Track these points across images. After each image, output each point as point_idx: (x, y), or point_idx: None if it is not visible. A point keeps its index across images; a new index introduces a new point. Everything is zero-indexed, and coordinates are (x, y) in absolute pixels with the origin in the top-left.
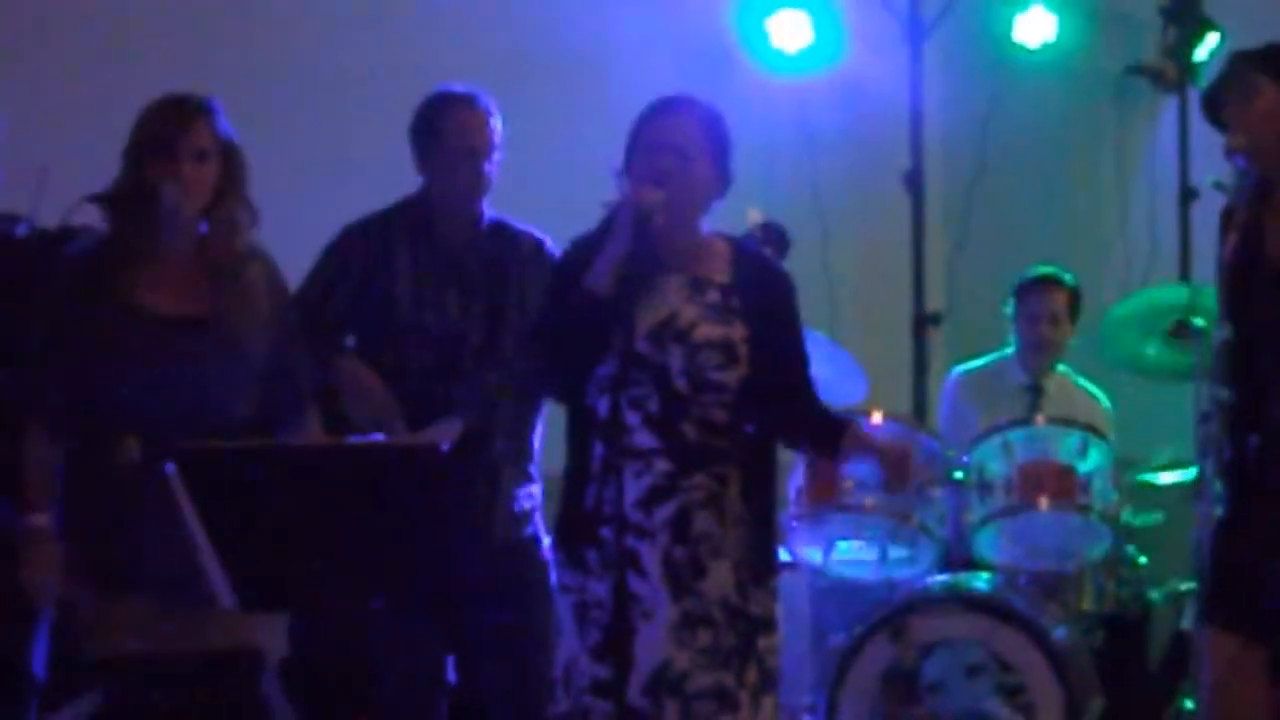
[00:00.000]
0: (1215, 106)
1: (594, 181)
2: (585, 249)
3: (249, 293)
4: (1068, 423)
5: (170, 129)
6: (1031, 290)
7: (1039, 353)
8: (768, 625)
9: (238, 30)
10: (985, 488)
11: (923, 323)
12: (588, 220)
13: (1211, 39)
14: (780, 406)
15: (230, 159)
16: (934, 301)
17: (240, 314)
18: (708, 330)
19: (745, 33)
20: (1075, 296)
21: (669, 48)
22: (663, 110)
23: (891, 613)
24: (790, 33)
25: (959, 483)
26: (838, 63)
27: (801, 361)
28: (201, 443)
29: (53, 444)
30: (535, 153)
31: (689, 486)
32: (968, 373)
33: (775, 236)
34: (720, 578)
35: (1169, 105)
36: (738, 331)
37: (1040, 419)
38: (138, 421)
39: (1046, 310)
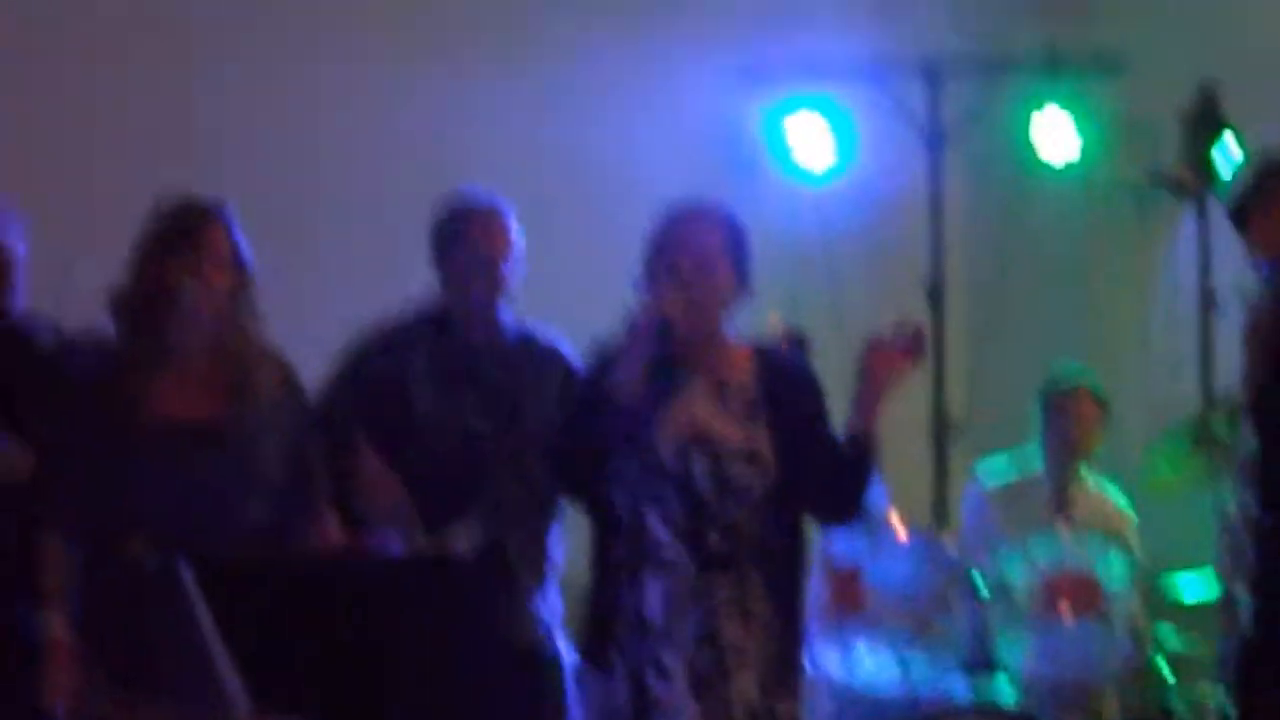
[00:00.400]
0: (1241, 215)
1: (615, 288)
2: (606, 356)
3: (262, 397)
4: (1092, 532)
5: (192, 229)
6: (1060, 395)
7: (1068, 462)
8: None
9: (256, 128)
10: (1008, 597)
11: (944, 429)
12: (607, 326)
13: (1233, 148)
14: (817, 498)
15: (241, 264)
16: (955, 408)
17: (253, 419)
18: (733, 436)
19: (767, 140)
20: (1103, 402)
21: (690, 152)
22: (682, 217)
23: None
24: (810, 141)
25: (981, 592)
26: (858, 171)
27: (832, 452)
28: (217, 551)
29: (67, 548)
30: (556, 259)
31: (714, 593)
32: (995, 488)
33: (796, 341)
34: (746, 685)
35: (1189, 213)
36: (762, 438)
37: (1064, 528)
38: (150, 527)
39: (1075, 413)
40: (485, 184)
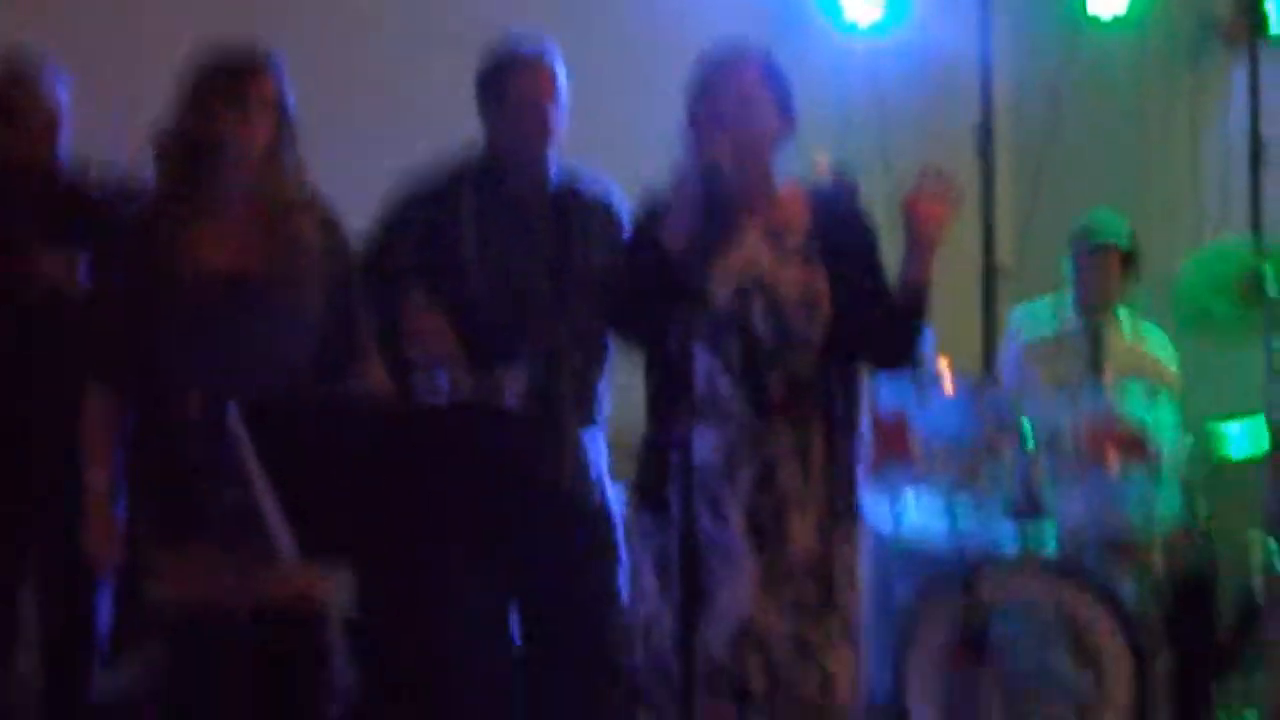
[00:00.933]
0: None
1: (662, 138)
2: (657, 204)
3: (303, 244)
4: (1137, 378)
5: (240, 76)
6: (1087, 254)
7: (1098, 316)
8: (851, 579)
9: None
10: (1055, 446)
11: (992, 276)
12: (654, 174)
13: None
14: (871, 344)
15: (285, 111)
16: (1003, 256)
17: (295, 266)
18: (790, 278)
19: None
20: (1130, 256)
21: (740, 5)
22: (720, 60)
23: (960, 571)
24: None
25: (1028, 441)
26: (908, 26)
27: (884, 296)
28: (266, 396)
29: (113, 401)
30: (603, 108)
31: (772, 438)
32: (1032, 342)
33: (844, 182)
34: (803, 530)
35: (1241, 63)
36: (820, 278)
37: (1109, 374)
38: (198, 376)
39: (1100, 272)
40: (531, 30)
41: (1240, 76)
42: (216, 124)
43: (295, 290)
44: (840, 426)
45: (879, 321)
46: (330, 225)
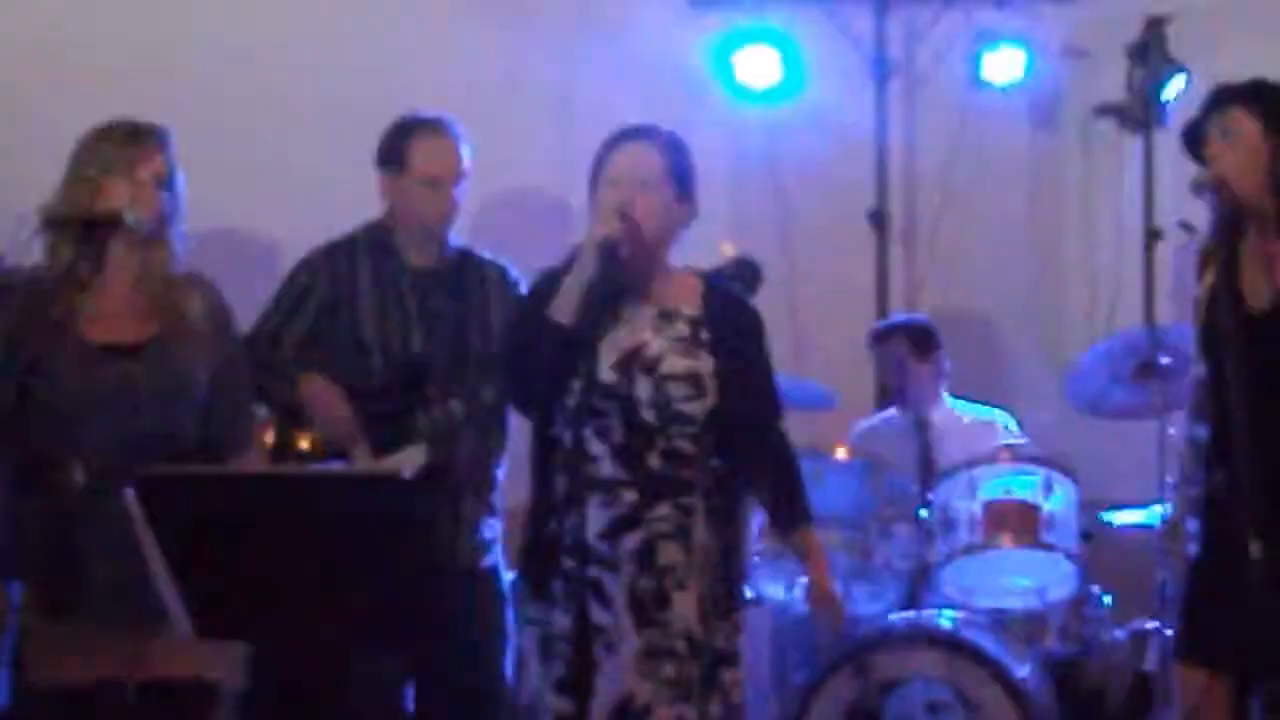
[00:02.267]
0: (1196, 142)
1: (560, 215)
2: (552, 279)
3: (188, 319)
4: (1033, 460)
5: (133, 152)
6: (874, 344)
7: (905, 395)
8: (732, 659)
9: (193, 60)
10: (949, 525)
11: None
12: (551, 253)
13: (1178, 79)
14: (746, 445)
15: (173, 188)
16: None
17: (179, 341)
18: (675, 362)
19: (714, 67)
20: (919, 340)
21: (637, 82)
22: (625, 140)
23: (854, 649)
24: (758, 69)
25: (922, 520)
26: (805, 98)
27: (770, 398)
28: (161, 468)
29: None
30: (502, 186)
31: (655, 518)
32: (867, 427)
33: (748, 271)
34: (685, 609)
35: (1135, 145)
36: (705, 364)
37: (1005, 455)
38: (80, 449)
39: (892, 356)
40: (432, 107)
41: (1135, 159)
42: (108, 199)
43: (179, 365)
44: (723, 505)
45: (762, 465)
46: (215, 303)
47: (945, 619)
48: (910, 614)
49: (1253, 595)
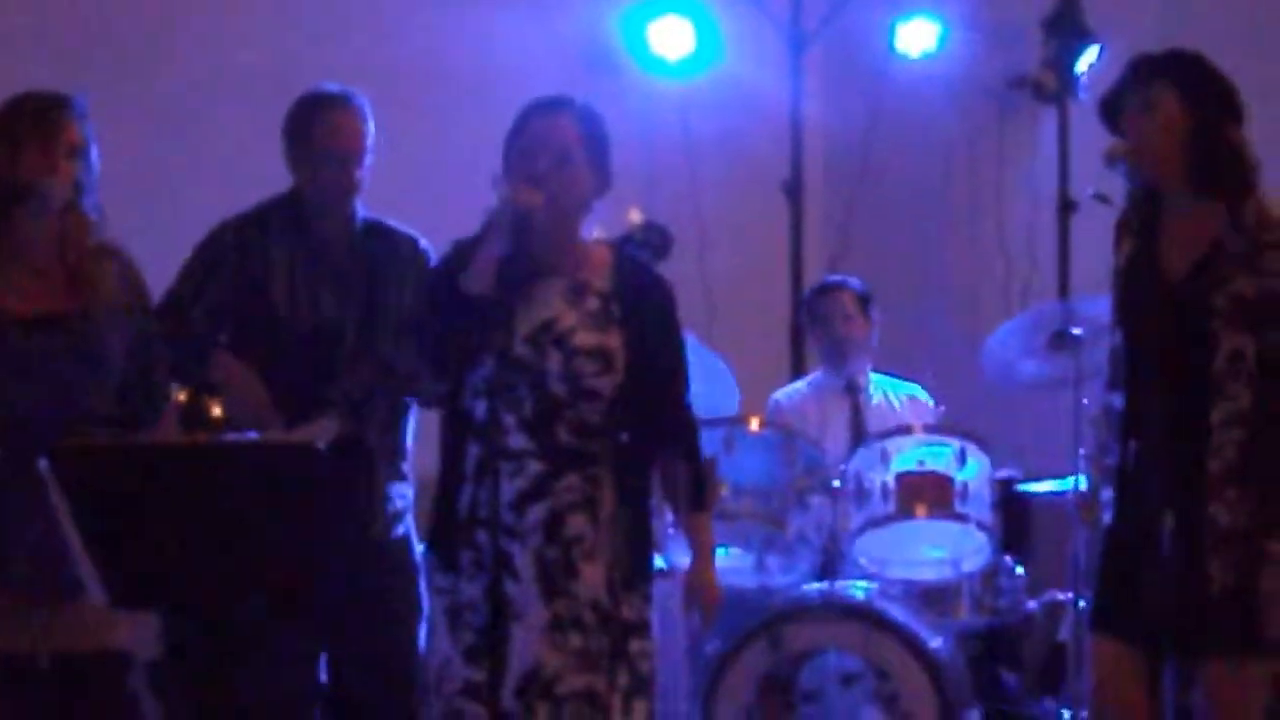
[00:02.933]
0: (1114, 113)
1: (474, 188)
2: (465, 251)
3: (103, 290)
4: (947, 431)
5: (48, 123)
6: (818, 299)
7: (843, 352)
8: (641, 629)
9: (112, 26)
10: (863, 496)
11: (800, 331)
12: (467, 227)
13: (1092, 51)
14: (652, 419)
15: (88, 158)
16: None
17: (94, 311)
18: (586, 337)
19: (627, 39)
20: (863, 297)
21: (550, 53)
22: (539, 111)
23: (768, 620)
24: (672, 39)
25: (836, 491)
26: (719, 69)
27: (677, 373)
28: (76, 439)
29: None
30: (414, 159)
31: (562, 489)
32: (787, 394)
33: (656, 237)
34: (592, 580)
35: (1049, 117)
36: (615, 339)
37: (917, 427)
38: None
39: (838, 311)
40: (345, 82)
41: (1048, 129)
42: (25, 169)
43: (95, 336)
44: (631, 476)
45: (666, 440)
46: (130, 274)
47: (859, 590)
48: (824, 585)
49: (1164, 567)
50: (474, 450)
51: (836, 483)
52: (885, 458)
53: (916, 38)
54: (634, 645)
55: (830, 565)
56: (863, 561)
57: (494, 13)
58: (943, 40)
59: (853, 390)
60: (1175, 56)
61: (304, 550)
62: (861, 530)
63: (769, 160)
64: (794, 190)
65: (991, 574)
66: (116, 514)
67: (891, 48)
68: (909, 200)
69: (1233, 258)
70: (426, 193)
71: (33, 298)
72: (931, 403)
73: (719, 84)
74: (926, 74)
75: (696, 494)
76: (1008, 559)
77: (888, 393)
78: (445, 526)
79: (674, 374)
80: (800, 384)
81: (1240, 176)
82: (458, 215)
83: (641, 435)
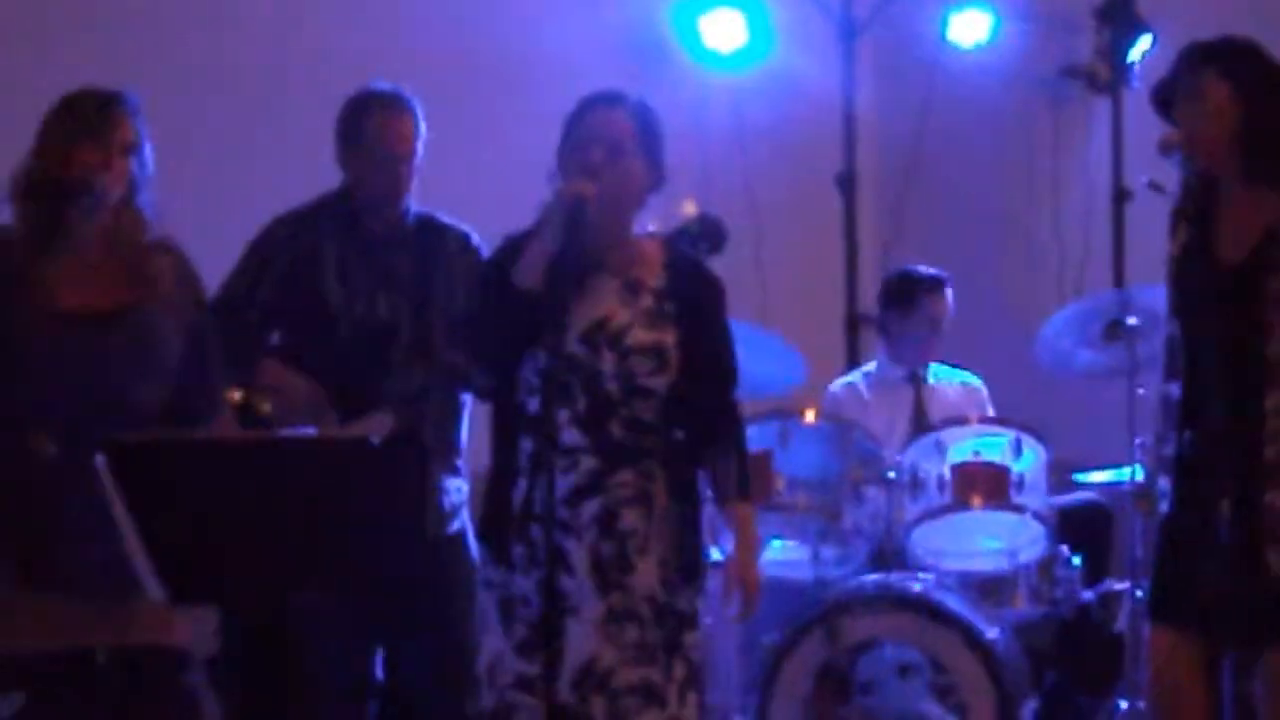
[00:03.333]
0: (1166, 102)
1: (527, 181)
2: (517, 245)
3: (159, 287)
4: (1002, 422)
5: (103, 120)
6: (929, 294)
7: (928, 348)
8: (693, 621)
9: (163, 27)
10: (918, 487)
11: (855, 321)
12: (520, 220)
13: (1145, 41)
14: (703, 415)
15: (142, 155)
16: (867, 299)
17: (150, 307)
18: (641, 335)
19: (679, 31)
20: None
21: (602, 46)
22: (593, 105)
23: (824, 612)
24: (723, 31)
25: (892, 482)
26: (771, 61)
27: (728, 370)
28: (132, 435)
29: None
30: (467, 152)
31: (615, 484)
32: (846, 386)
33: (711, 229)
34: (647, 574)
35: (1103, 106)
36: (669, 337)
37: (973, 418)
38: (51, 417)
39: (940, 310)
40: (398, 76)
41: (1101, 119)
42: (79, 166)
43: (151, 333)
44: (684, 470)
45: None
46: (186, 271)
47: (915, 581)
48: (880, 576)
49: (1222, 556)
50: (527, 445)
51: (892, 474)
52: (941, 449)
53: (969, 28)
54: (687, 637)
55: (886, 557)
56: (919, 553)
57: (545, 4)
58: (995, 30)
59: (915, 381)
60: (1227, 44)
61: (359, 545)
62: (917, 522)
63: (822, 152)
64: (847, 181)
65: (1047, 564)
66: (172, 510)
67: (944, 38)
68: (962, 191)
69: None
70: (477, 187)
71: (87, 294)
72: (980, 384)
73: (771, 76)
74: (979, 64)
75: (742, 486)
76: (1063, 549)
77: (947, 381)
78: (497, 521)
79: (725, 371)
80: (855, 375)
81: None
82: (508, 209)
83: (693, 431)
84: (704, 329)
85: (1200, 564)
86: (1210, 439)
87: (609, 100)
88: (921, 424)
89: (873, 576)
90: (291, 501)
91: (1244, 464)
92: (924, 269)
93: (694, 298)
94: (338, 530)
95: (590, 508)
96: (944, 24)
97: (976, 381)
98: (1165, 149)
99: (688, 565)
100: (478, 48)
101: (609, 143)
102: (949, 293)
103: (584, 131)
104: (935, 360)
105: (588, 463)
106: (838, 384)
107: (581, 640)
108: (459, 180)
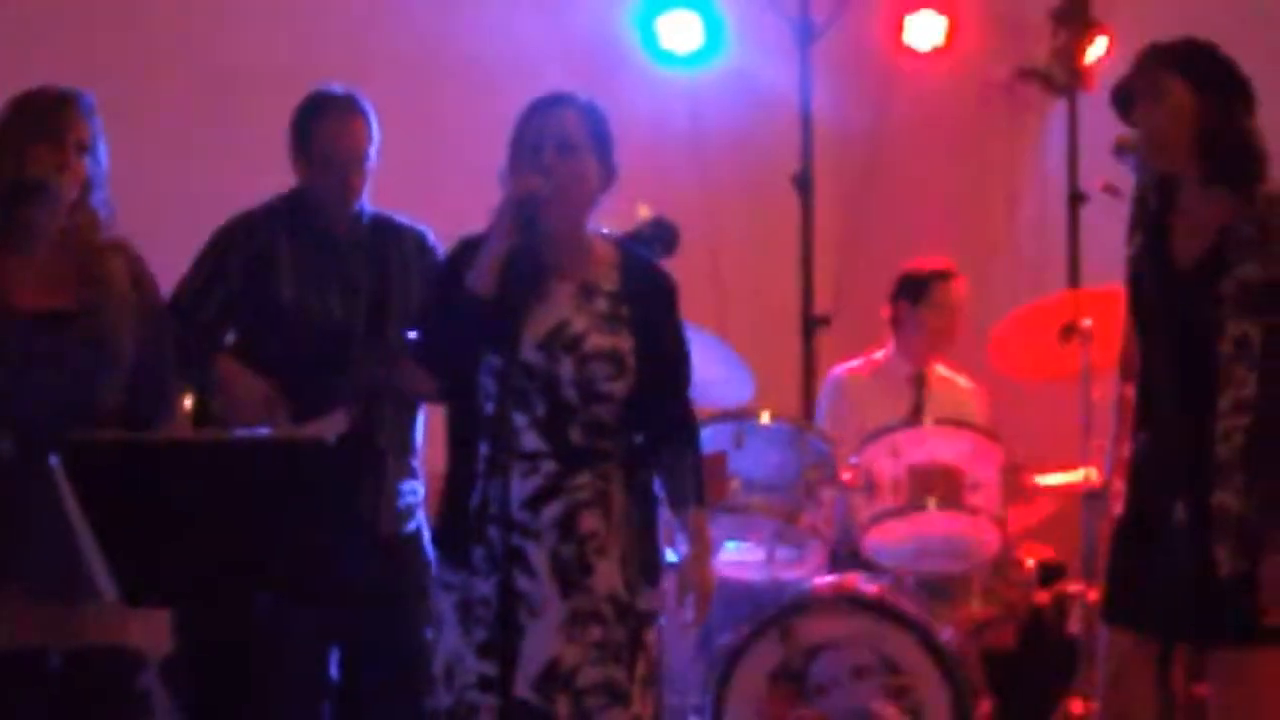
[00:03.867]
0: (1125, 102)
1: (480, 184)
2: (470, 248)
3: (113, 286)
4: (957, 424)
5: (57, 119)
6: (938, 283)
7: (938, 340)
8: (653, 619)
9: (123, 24)
10: (873, 488)
11: (811, 324)
12: (474, 224)
13: (1101, 43)
14: (659, 416)
15: (96, 154)
16: (823, 303)
17: (105, 307)
18: (597, 341)
19: (637, 32)
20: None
21: (557, 47)
22: (543, 106)
23: (779, 613)
24: (680, 32)
25: (846, 483)
26: (728, 62)
27: (683, 372)
28: (86, 435)
29: None
30: (426, 155)
31: (575, 486)
32: (850, 371)
33: (665, 233)
34: (608, 575)
35: (1058, 108)
36: (625, 341)
37: (928, 420)
38: (7, 417)
39: (954, 298)
40: (358, 79)
41: (1057, 121)
42: (31, 165)
43: (104, 330)
44: (642, 472)
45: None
46: (140, 271)
47: (869, 583)
48: (835, 578)
49: (1174, 555)
50: (484, 448)
51: (847, 475)
52: (896, 450)
53: (924, 30)
54: (648, 635)
55: (841, 558)
56: (873, 554)
57: (501, 6)
58: (950, 33)
59: (920, 382)
60: (1186, 44)
61: (313, 544)
62: (872, 522)
63: (778, 153)
64: (804, 183)
65: (1002, 566)
66: (127, 509)
67: (900, 40)
68: (918, 193)
69: (1241, 244)
70: (432, 188)
71: (42, 294)
72: (981, 398)
73: (728, 77)
74: (935, 67)
75: (694, 487)
76: (1019, 550)
77: (950, 384)
78: (455, 523)
79: (680, 375)
80: (860, 361)
81: (1249, 164)
82: (463, 211)
83: (649, 433)
84: (659, 333)
85: (1154, 565)
86: (1163, 439)
87: (556, 101)
88: (917, 419)
89: (828, 578)
90: (244, 501)
91: (1195, 464)
92: (940, 263)
93: (649, 301)
94: (291, 529)
95: (550, 511)
96: (900, 27)
97: (975, 389)
98: (1121, 150)
99: (647, 565)
100: (437, 50)
101: (559, 141)
102: (960, 284)
103: (534, 131)
104: (944, 355)
105: (547, 466)
106: (843, 368)
107: (544, 640)
108: (414, 182)
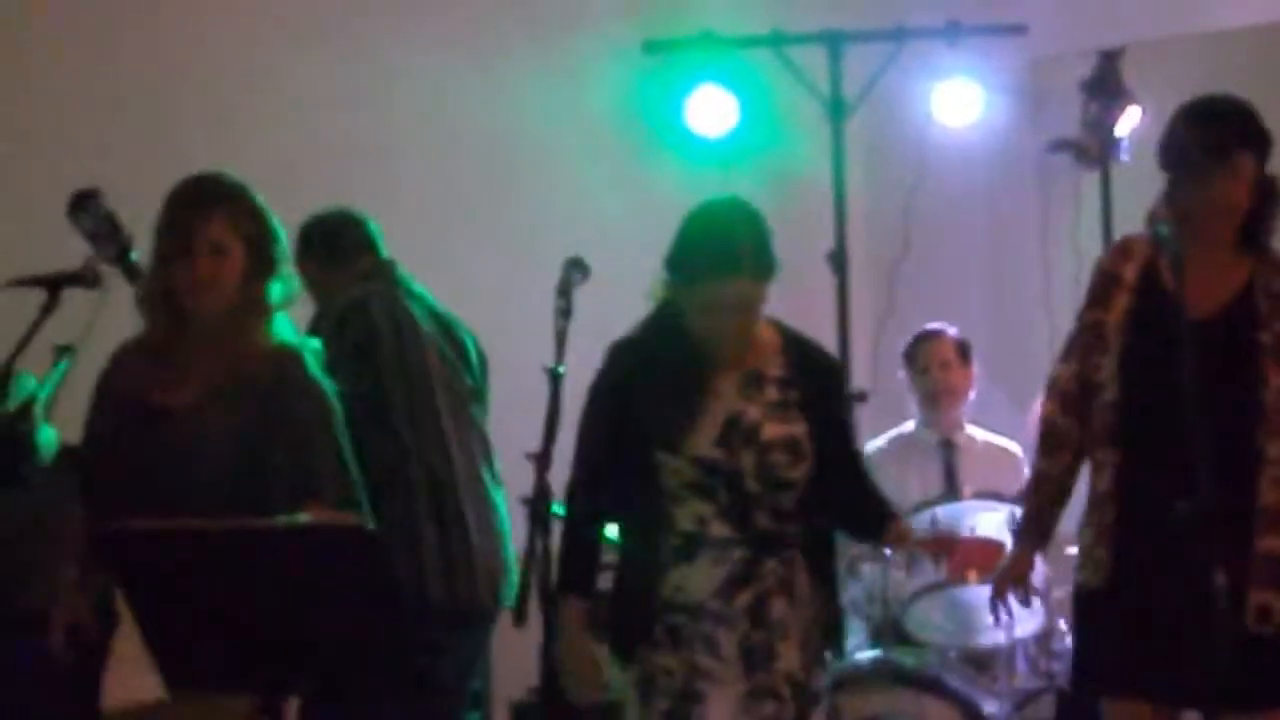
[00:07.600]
0: (1185, 167)
1: (519, 262)
2: (625, 351)
3: (242, 383)
4: (996, 496)
5: (184, 221)
6: (917, 346)
7: (940, 401)
8: (820, 698)
9: (161, 117)
10: (915, 563)
11: (849, 401)
12: (495, 300)
13: (1133, 113)
14: (840, 494)
15: (254, 245)
16: (860, 379)
17: (214, 407)
18: (773, 429)
19: (667, 111)
20: (963, 345)
21: (593, 129)
22: (705, 212)
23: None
24: (711, 113)
25: (887, 558)
26: (761, 141)
27: (853, 443)
28: (125, 522)
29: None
30: (453, 232)
31: (764, 573)
32: (877, 449)
33: None
34: (789, 657)
35: (1091, 180)
36: (799, 428)
37: (967, 493)
38: (135, 512)
39: (936, 358)
40: (386, 158)
41: (1090, 193)
42: (164, 271)
43: (206, 430)
44: (820, 556)
45: (851, 500)
46: (289, 372)
47: (912, 657)
48: (878, 653)
49: (1216, 622)
50: (670, 540)
51: (888, 550)
52: (936, 524)
53: (956, 104)
54: (814, 714)
55: (884, 633)
56: (916, 628)
57: (536, 89)
58: (982, 106)
59: (948, 447)
60: (1248, 116)
61: (352, 632)
62: (914, 597)
63: (813, 231)
64: (839, 260)
65: (1045, 638)
66: (167, 597)
67: (931, 115)
68: (953, 266)
69: (1272, 297)
70: (455, 265)
71: (178, 393)
72: (1018, 451)
73: (760, 156)
74: (967, 140)
75: (887, 505)
76: (1061, 622)
77: (984, 447)
78: (633, 626)
79: (851, 443)
80: (884, 439)
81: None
82: (484, 290)
83: (827, 507)
84: (829, 413)
85: (1186, 631)
86: (1203, 508)
87: (722, 205)
88: (954, 490)
89: (871, 653)
90: (283, 587)
91: (1239, 514)
92: (927, 326)
93: (817, 384)
94: (330, 616)
95: (743, 598)
96: (931, 101)
97: (1015, 449)
98: (1155, 222)
99: (824, 646)
100: (462, 131)
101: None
102: (948, 341)
103: (700, 237)
104: (955, 417)
105: (737, 553)
106: (870, 446)
107: (721, 708)
108: (447, 260)
